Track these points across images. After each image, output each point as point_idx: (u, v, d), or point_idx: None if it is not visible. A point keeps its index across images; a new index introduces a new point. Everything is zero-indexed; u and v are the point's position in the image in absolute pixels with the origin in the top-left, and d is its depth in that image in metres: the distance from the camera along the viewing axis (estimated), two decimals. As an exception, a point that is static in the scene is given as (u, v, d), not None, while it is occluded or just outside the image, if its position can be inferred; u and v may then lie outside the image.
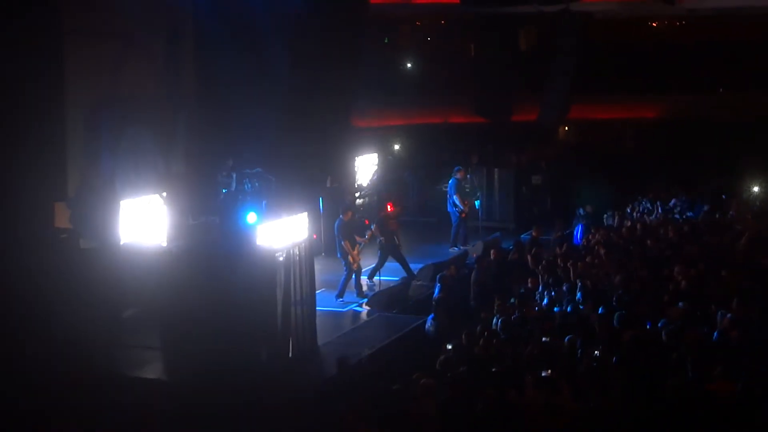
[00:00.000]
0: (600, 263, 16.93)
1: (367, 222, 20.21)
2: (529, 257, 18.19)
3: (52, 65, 15.57)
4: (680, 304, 13.63)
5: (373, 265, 19.62)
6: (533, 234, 21.00)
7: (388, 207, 20.42)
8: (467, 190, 23.33)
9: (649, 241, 18.79)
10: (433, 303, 16.83)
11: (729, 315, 12.76)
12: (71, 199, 16.75)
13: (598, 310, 13.64)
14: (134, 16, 18.21)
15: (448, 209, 22.77)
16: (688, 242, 18.61)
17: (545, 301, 15.51)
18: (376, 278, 19.32)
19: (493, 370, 11.49)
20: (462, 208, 22.46)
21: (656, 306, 13.90)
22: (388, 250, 19.63)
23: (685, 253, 17.52)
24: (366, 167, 25.15)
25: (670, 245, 18.47)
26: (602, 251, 17.69)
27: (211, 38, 20.18)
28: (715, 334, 12.30)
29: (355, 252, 18.37)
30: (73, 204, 16.76)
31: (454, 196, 22.55)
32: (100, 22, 17.80)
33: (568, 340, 12.37)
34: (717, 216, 22.23)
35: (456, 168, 23.04)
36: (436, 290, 17.41)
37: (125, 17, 18.02)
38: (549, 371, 10.84)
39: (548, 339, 12.69)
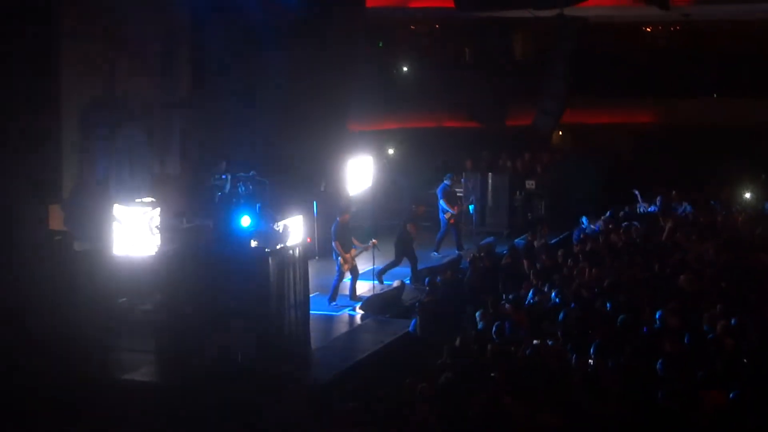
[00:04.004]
0: (591, 269, 16.93)
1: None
2: (525, 261, 18.20)
3: (48, 67, 15.58)
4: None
5: (383, 265, 19.76)
6: (529, 238, 20.94)
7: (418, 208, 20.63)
8: (459, 195, 23.36)
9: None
10: (417, 306, 16.87)
11: (722, 322, 12.75)
12: (66, 202, 16.75)
13: (587, 316, 13.66)
14: (130, 19, 18.22)
15: (440, 215, 22.86)
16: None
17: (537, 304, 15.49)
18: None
19: (492, 375, 11.49)
20: (451, 211, 22.53)
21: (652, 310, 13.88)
22: (407, 252, 19.77)
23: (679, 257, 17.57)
24: (359, 170, 25.16)
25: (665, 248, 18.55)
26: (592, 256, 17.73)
27: (207, 41, 20.20)
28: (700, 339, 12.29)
29: (349, 255, 18.38)
30: (67, 206, 16.76)
31: (441, 201, 22.65)
32: (96, 24, 17.81)
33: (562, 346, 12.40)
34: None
35: (448, 174, 23.14)
36: (425, 293, 17.48)
37: (121, 20, 18.03)
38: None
39: (539, 342, 12.71)
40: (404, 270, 20.02)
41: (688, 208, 23.17)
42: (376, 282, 19.54)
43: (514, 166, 28.06)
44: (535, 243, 20.29)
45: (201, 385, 13.31)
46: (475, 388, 11.05)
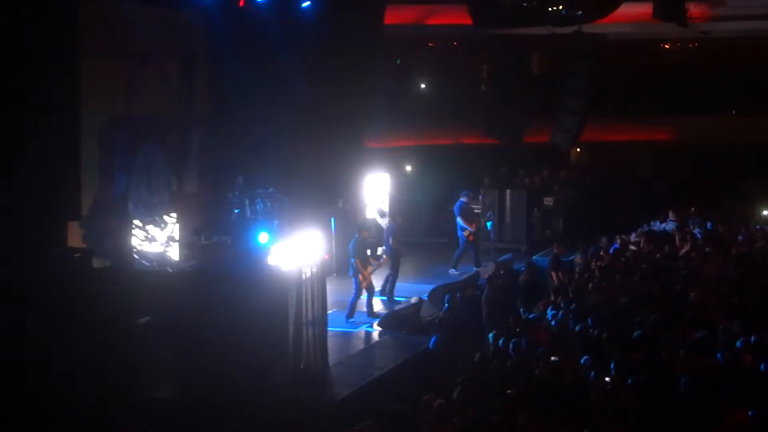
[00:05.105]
0: (605, 285, 16.89)
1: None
2: (553, 274, 18.13)
3: (68, 85, 15.65)
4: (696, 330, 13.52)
5: (387, 285, 19.67)
6: (555, 251, 20.50)
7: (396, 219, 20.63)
8: (477, 212, 23.35)
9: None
10: (436, 321, 16.87)
11: (742, 339, 12.69)
12: (85, 219, 16.82)
13: (606, 332, 13.61)
14: (149, 36, 18.36)
15: (458, 232, 22.84)
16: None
17: (555, 321, 15.45)
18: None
19: (508, 392, 11.46)
20: (469, 229, 22.48)
21: (669, 329, 13.83)
22: (396, 264, 19.79)
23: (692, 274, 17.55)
24: (377, 187, 25.14)
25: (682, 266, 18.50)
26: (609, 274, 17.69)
27: (226, 59, 20.31)
28: (720, 356, 12.22)
29: (367, 272, 18.39)
30: (86, 223, 16.83)
31: (459, 218, 22.63)
32: (115, 42, 17.94)
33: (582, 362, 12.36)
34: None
35: (464, 192, 23.10)
36: (444, 309, 17.45)
37: (140, 38, 18.16)
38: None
39: (557, 359, 12.68)
40: (421, 287, 20.00)
41: (709, 225, 23.09)
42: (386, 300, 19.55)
43: (532, 182, 28.06)
44: (576, 261, 20.17)
45: (220, 402, 13.31)
46: (492, 404, 11.03)
